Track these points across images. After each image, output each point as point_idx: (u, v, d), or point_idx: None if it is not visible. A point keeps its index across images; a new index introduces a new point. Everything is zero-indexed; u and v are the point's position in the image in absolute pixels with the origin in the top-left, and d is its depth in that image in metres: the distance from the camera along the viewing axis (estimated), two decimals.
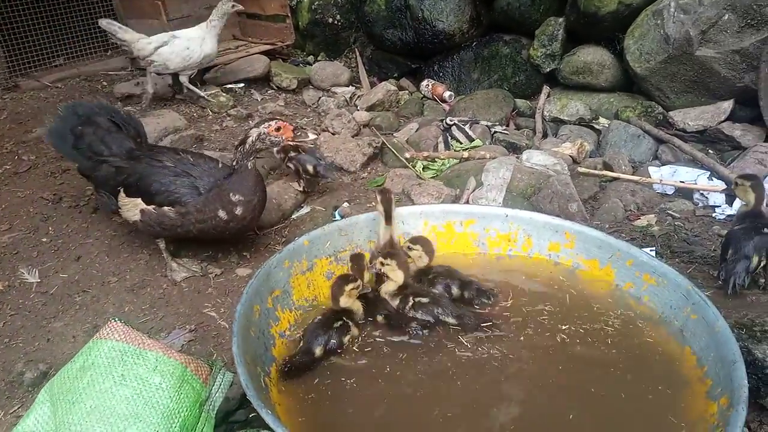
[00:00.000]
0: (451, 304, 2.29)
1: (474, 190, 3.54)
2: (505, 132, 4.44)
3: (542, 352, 2.11)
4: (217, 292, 2.83)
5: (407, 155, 4.06)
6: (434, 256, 2.51)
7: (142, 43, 4.45)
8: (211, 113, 4.74)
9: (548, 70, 4.94)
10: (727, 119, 4.09)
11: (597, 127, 4.47)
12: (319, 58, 6.08)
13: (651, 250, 2.93)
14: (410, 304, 2.28)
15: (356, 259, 2.41)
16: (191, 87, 4.76)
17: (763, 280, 2.54)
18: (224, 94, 4.91)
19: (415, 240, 2.53)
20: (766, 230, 2.48)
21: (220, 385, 1.82)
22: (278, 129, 2.81)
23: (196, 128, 4.41)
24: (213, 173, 2.90)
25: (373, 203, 2.56)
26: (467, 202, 3.45)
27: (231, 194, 2.77)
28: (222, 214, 2.78)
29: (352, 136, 4.32)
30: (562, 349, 2.12)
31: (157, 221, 2.83)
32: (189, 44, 4.49)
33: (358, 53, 5.91)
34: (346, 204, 3.48)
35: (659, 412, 1.86)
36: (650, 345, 2.14)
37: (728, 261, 2.47)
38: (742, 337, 2.11)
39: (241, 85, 5.22)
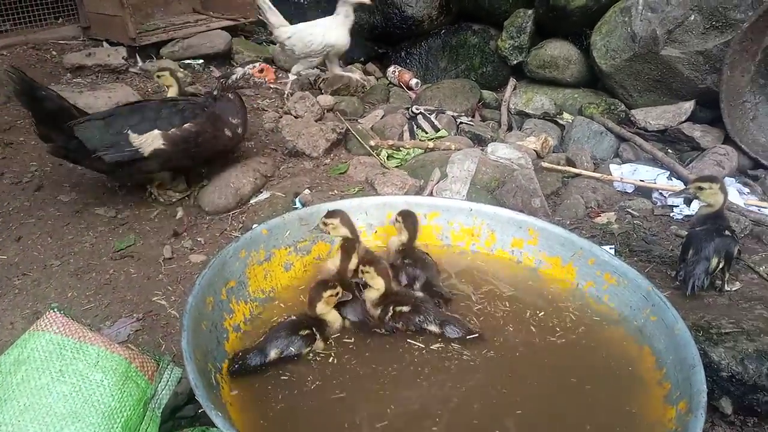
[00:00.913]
0: (434, 308, 2.17)
1: (438, 182, 3.48)
2: (471, 123, 4.40)
3: (500, 349, 2.08)
4: (168, 279, 2.70)
5: (372, 143, 3.98)
6: (416, 233, 2.48)
7: (281, 29, 4.48)
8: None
9: (515, 62, 4.92)
10: (687, 120, 4.16)
11: (561, 122, 4.48)
12: None
13: (610, 248, 2.95)
14: (390, 314, 2.16)
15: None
16: (340, 72, 4.70)
17: (720, 282, 2.57)
18: (182, 70, 4.70)
19: (399, 213, 2.49)
20: (726, 232, 2.50)
21: (167, 381, 1.72)
22: (261, 71, 3.20)
23: None
24: (194, 102, 3.21)
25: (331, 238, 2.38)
26: (431, 194, 3.40)
27: (229, 117, 3.19)
28: (228, 132, 3.20)
29: (316, 121, 4.20)
30: (519, 348, 2.09)
31: (183, 139, 3.06)
32: (313, 31, 4.43)
33: None
34: (307, 191, 3.38)
35: (617, 414, 1.85)
36: (609, 345, 2.13)
37: (687, 262, 2.48)
38: (699, 340, 2.13)
39: (200, 61, 5.01)
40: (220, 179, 3.34)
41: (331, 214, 2.36)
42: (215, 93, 3.18)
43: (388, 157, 3.90)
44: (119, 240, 2.94)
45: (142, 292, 2.62)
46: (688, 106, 4.15)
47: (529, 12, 4.80)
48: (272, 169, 3.62)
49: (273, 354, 1.95)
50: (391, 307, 2.16)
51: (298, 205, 3.24)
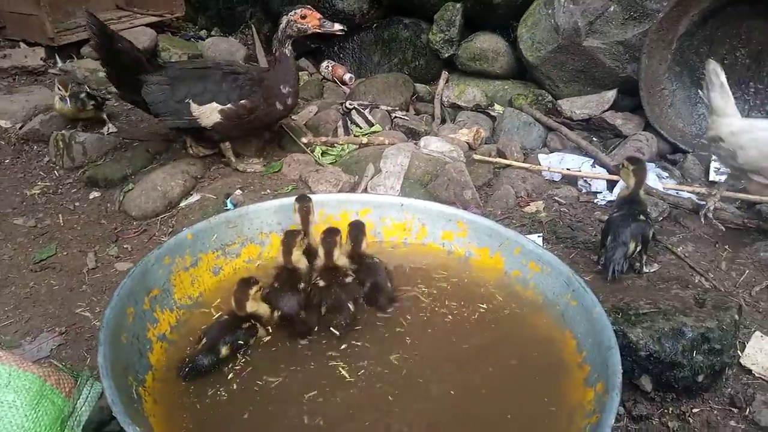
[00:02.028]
0: (339, 304, 2.15)
1: (373, 177, 3.49)
2: (405, 117, 4.42)
3: (426, 337, 2.11)
4: (92, 290, 2.61)
5: (305, 140, 3.94)
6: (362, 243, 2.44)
7: (723, 120, 2.90)
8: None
9: (447, 55, 4.96)
10: (610, 108, 4.31)
11: (492, 113, 4.57)
12: (212, 34, 5.76)
13: (539, 236, 3.04)
14: (315, 278, 2.23)
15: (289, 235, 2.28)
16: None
17: (638, 264, 2.69)
18: (104, 69, 4.52)
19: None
20: (641, 217, 2.61)
21: (87, 397, 1.67)
22: (304, 17, 3.20)
23: None
24: (251, 69, 3.40)
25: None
26: (366, 190, 3.41)
27: (281, 87, 3.30)
28: (279, 105, 3.34)
29: None
30: (446, 336, 2.13)
31: (238, 115, 3.23)
32: None
33: (254, 30, 5.66)
34: (238, 191, 3.32)
35: (540, 397, 1.91)
36: (535, 331, 2.19)
37: (607, 248, 2.58)
38: (618, 321, 2.23)
39: None
40: (147, 182, 3.25)
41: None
42: (274, 51, 3.31)
43: (322, 153, 3.88)
44: (40, 250, 2.83)
45: (65, 304, 2.53)
46: (611, 95, 4.31)
47: (458, 5, 4.85)
48: (202, 170, 3.55)
49: (224, 350, 1.94)
50: (320, 279, 2.22)
51: (229, 206, 3.18)
